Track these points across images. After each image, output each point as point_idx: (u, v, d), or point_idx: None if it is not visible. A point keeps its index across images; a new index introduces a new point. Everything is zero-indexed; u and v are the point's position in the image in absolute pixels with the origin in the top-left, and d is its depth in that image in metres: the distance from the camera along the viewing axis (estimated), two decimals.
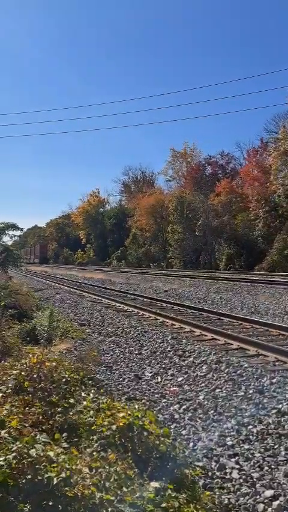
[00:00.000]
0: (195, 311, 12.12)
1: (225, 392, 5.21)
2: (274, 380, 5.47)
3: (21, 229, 24.77)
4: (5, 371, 3.73)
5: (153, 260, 49.23)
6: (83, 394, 3.53)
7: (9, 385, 3.40)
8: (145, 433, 2.88)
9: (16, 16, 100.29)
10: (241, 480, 3.28)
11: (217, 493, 3.05)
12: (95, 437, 2.81)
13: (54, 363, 3.80)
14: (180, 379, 5.85)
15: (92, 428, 2.90)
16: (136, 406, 3.39)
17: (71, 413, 3.08)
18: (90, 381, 4.59)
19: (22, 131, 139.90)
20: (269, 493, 3.07)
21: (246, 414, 4.48)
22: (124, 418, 2.95)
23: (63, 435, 2.80)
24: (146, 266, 47.80)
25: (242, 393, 5.11)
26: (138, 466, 2.59)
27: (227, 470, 3.43)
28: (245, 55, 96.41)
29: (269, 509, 2.93)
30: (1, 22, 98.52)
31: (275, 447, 3.75)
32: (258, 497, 3.04)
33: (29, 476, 2.11)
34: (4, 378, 3.56)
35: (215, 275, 27.10)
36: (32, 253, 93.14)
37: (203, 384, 5.58)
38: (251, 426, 4.17)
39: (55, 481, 2.09)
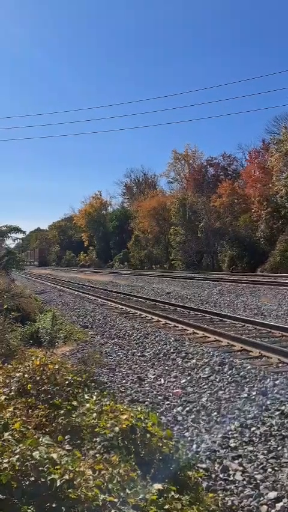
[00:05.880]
0: (198, 313, 12.12)
1: (228, 394, 5.21)
2: (277, 382, 5.46)
3: (24, 232, 24.85)
4: (8, 373, 3.74)
5: (155, 262, 49.25)
6: (86, 396, 3.53)
7: (13, 387, 3.41)
8: (148, 435, 2.88)
9: (17, 19, 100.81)
10: (244, 482, 3.28)
11: (220, 495, 3.05)
12: (98, 439, 2.81)
13: (57, 366, 3.80)
14: (183, 381, 5.85)
15: (95, 430, 2.90)
16: (139, 408, 3.39)
17: (74, 416, 3.08)
18: (93, 384, 4.58)
19: (25, 134, 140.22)
20: (272, 494, 3.07)
21: (250, 416, 4.47)
22: (127, 420, 2.94)
23: (66, 437, 2.81)
24: (149, 268, 47.81)
25: (245, 395, 5.11)
26: (141, 467, 2.59)
27: (230, 472, 3.43)
28: (246, 56, 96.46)
29: (272, 511, 2.92)
30: (2, 26, 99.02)
31: (278, 449, 3.75)
32: (261, 498, 3.04)
33: (33, 478, 2.12)
34: (7, 380, 3.57)
35: (217, 277, 27.07)
36: (32, 256, 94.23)
37: (206, 386, 5.57)
38: (254, 428, 4.17)
39: (58, 483, 2.09)
